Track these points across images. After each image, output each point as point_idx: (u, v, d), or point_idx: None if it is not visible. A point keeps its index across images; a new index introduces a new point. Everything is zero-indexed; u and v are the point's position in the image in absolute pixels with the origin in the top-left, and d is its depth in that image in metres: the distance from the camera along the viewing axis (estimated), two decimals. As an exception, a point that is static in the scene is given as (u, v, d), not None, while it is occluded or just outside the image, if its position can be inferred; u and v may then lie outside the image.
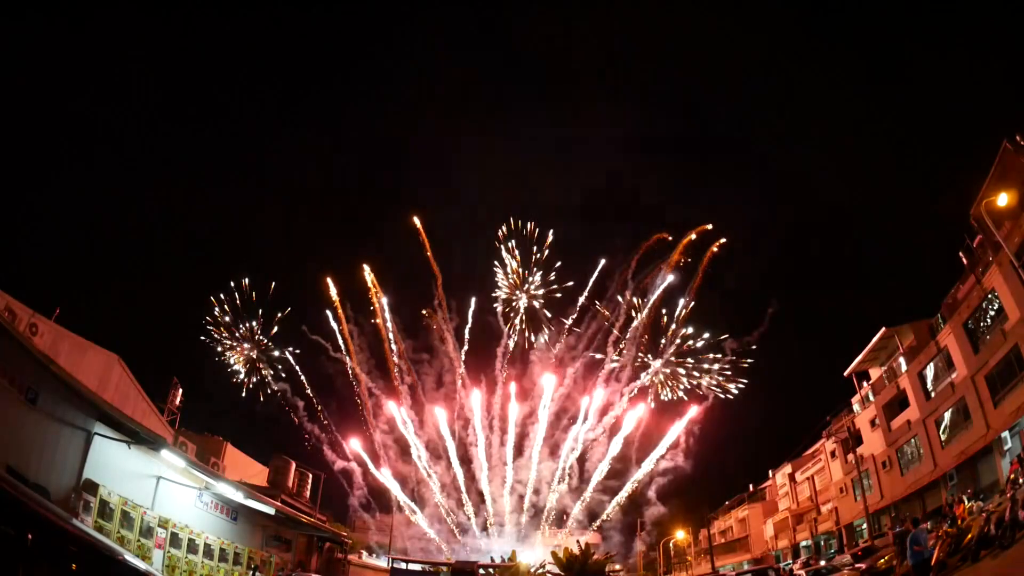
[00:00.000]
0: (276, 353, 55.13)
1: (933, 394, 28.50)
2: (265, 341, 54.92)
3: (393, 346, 56.86)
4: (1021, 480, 17.71)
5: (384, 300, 57.49)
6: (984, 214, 20.81)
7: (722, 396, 54.59)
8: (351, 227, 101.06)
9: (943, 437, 27.35)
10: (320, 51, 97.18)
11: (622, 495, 54.36)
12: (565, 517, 54.68)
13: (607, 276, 59.77)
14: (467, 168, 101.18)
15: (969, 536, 15.62)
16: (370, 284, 57.05)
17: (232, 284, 54.63)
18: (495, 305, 59.26)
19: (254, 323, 54.78)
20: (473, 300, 58.67)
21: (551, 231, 57.70)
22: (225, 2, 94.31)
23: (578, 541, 31.52)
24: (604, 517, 54.51)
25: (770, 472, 53.13)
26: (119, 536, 14.16)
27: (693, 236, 57.03)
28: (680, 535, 56.51)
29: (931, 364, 28.77)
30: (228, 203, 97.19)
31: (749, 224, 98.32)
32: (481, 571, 30.38)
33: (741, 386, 54.53)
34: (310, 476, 39.74)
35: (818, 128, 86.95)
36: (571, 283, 58.05)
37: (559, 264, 58.26)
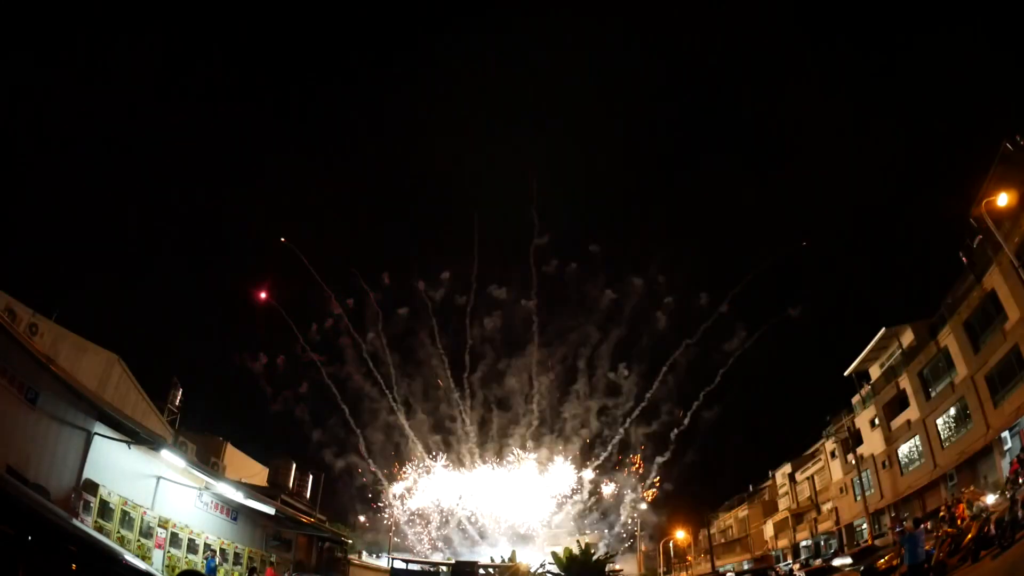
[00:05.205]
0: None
1: (933, 394, 28.54)
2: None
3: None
4: (1021, 480, 17.70)
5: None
6: (984, 214, 20.79)
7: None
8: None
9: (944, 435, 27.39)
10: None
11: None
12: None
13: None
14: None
15: (969, 536, 15.62)
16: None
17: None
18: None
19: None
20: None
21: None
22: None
23: (578, 541, 31.53)
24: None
25: (770, 472, 53.17)
26: (119, 536, 14.18)
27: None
28: (680, 535, 56.60)
29: (931, 364, 28.81)
30: (228, 202, 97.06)
31: (746, 224, 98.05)
32: (481, 571, 30.39)
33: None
34: (310, 476, 39.77)
35: (816, 128, 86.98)
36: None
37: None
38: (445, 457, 54.16)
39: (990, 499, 17.31)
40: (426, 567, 34.66)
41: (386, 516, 50.91)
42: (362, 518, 52.40)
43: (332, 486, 50.23)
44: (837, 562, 24.72)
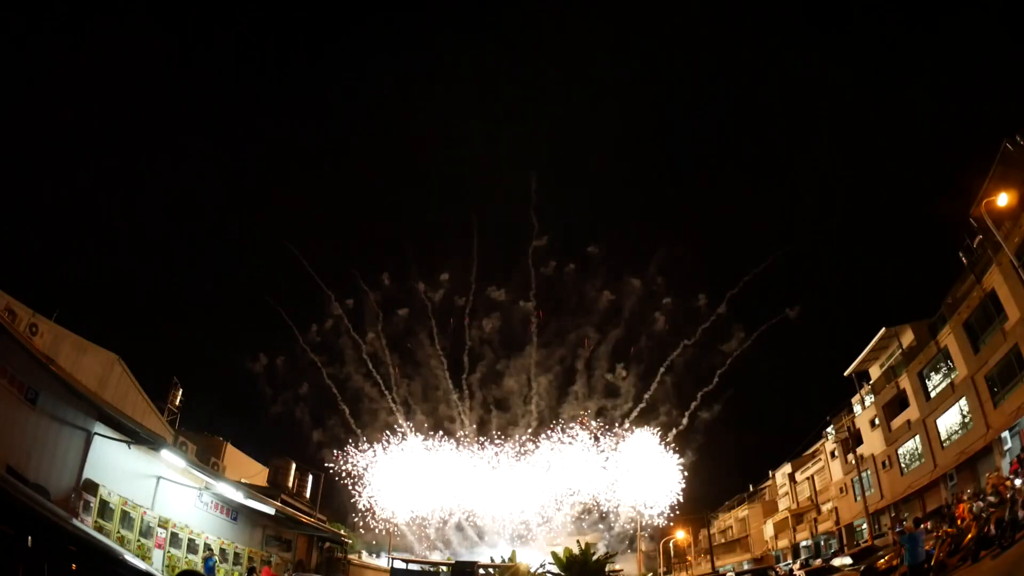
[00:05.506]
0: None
1: (933, 394, 28.53)
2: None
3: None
4: (1021, 480, 17.70)
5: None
6: (984, 214, 20.78)
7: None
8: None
9: (943, 438, 27.39)
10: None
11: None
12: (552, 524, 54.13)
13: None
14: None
15: (969, 536, 15.63)
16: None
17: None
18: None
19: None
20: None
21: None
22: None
23: (578, 541, 31.50)
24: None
25: (770, 472, 53.15)
26: (119, 536, 14.18)
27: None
28: (680, 535, 56.58)
29: (931, 364, 28.81)
30: (228, 203, 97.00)
31: (746, 224, 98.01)
32: (481, 571, 30.35)
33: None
34: (310, 476, 39.73)
35: (817, 128, 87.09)
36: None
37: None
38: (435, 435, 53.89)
39: (1018, 482, 17.22)
40: (426, 567, 34.61)
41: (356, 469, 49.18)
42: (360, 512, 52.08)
43: (332, 486, 49.96)
44: (837, 562, 24.73)
